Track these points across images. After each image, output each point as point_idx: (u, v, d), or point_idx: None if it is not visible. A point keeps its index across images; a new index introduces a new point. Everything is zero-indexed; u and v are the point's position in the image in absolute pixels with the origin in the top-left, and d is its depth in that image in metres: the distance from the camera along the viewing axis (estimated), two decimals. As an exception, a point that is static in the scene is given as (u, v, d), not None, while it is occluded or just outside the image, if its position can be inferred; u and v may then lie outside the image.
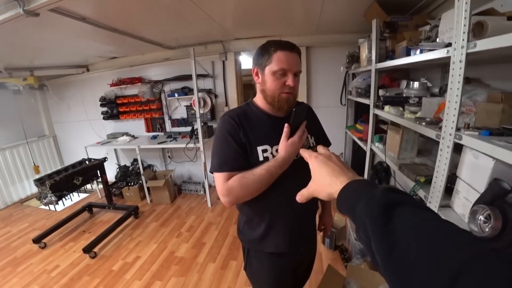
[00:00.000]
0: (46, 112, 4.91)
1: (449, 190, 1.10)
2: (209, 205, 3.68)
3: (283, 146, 0.98)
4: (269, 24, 2.89)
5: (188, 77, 3.64)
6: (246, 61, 4.07)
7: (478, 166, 0.94)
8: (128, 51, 3.73)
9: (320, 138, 1.27)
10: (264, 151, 1.03)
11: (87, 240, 2.87)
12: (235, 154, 1.00)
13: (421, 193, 1.25)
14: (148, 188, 3.86)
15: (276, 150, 1.02)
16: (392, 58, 1.88)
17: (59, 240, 3.07)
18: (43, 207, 3.92)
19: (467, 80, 1.52)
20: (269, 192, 1.01)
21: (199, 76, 3.57)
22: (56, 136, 5.10)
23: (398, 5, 2.11)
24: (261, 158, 1.02)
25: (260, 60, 1.02)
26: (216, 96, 3.94)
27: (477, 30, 0.88)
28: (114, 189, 4.09)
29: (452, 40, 0.97)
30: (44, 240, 2.97)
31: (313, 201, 1.21)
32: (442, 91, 1.65)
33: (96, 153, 3.93)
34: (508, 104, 0.99)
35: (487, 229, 0.82)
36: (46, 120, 4.93)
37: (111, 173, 4.28)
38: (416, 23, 1.87)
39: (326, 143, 1.31)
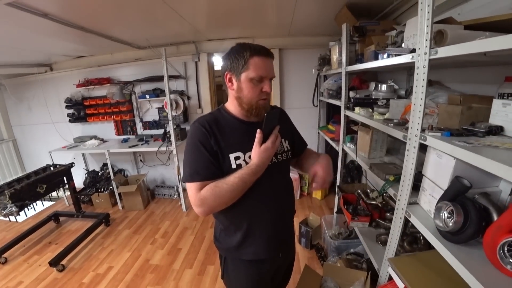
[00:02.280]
0: (3, 114, 4.51)
1: (416, 187, 1.17)
2: (184, 209, 3.60)
3: (256, 152, 0.96)
4: (242, 26, 2.89)
5: (159, 78, 3.53)
6: (219, 62, 4.04)
7: (442, 165, 1.00)
8: (96, 50, 3.55)
9: (296, 141, 1.27)
10: (237, 158, 1.00)
11: (54, 252, 2.69)
12: (207, 163, 0.97)
13: (390, 191, 1.31)
14: (119, 194, 3.70)
15: (249, 157, 1.00)
16: (361, 61, 1.96)
17: (21, 254, 2.84)
18: (2, 218, 3.60)
19: (429, 83, 1.62)
20: (244, 199, 0.99)
21: (171, 77, 3.48)
22: (15, 140, 4.72)
23: (366, 10, 2.20)
24: (233, 166, 0.99)
25: (234, 66, 0.97)
26: (189, 98, 3.86)
27: (438, 38, 0.93)
28: (82, 196, 3.88)
29: (416, 46, 1.02)
30: (5, 255, 2.73)
31: (290, 206, 1.23)
32: (408, 93, 1.75)
33: (62, 158, 3.69)
34: (466, 106, 1.07)
35: (450, 224, 0.88)
36: (4, 122, 4.53)
37: (79, 178, 4.04)
38: (383, 28, 1.96)
39: (303, 145, 1.32)
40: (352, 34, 2.02)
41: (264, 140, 0.97)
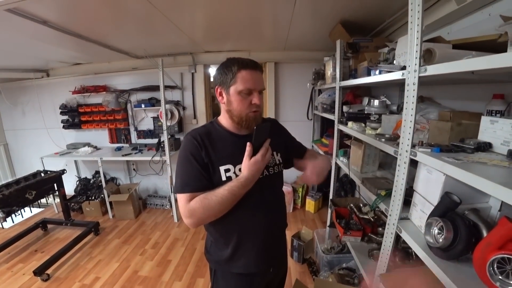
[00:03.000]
0: (-4, 118, 4.49)
1: (408, 202, 1.17)
2: (175, 220, 3.54)
3: (246, 165, 0.97)
4: (239, 39, 2.93)
5: (156, 88, 3.55)
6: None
7: (432, 180, 1.01)
8: (93, 57, 3.57)
9: (294, 147, 1.27)
10: (227, 170, 1.01)
11: (39, 261, 2.61)
12: (197, 175, 0.98)
13: (382, 206, 1.31)
14: (110, 202, 3.64)
15: (239, 169, 1.00)
16: (354, 77, 2.00)
17: (5, 262, 2.75)
18: (-13, 224, 3.52)
19: (421, 99, 1.66)
20: (234, 212, 0.99)
21: (167, 87, 3.50)
22: (7, 144, 4.66)
23: (360, 27, 2.26)
24: (223, 178, 1.00)
25: (223, 80, 1.00)
26: (184, 108, 3.88)
27: (427, 56, 0.96)
28: (72, 204, 3.80)
29: (406, 63, 1.05)
30: (-12, 263, 2.66)
31: (282, 219, 1.22)
32: (400, 109, 1.78)
33: (54, 164, 3.64)
34: (455, 122, 1.09)
35: (440, 240, 0.88)
36: (-4, 126, 4.50)
37: (70, 186, 3.98)
38: (376, 45, 2.01)
39: (302, 149, 1.31)
40: (346, 50, 2.07)
41: (254, 153, 0.98)
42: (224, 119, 1.09)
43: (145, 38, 2.69)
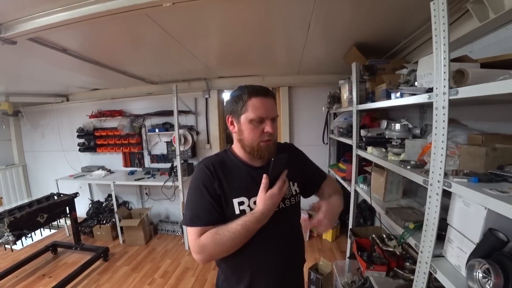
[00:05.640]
0: (18, 140, 4.66)
1: (440, 236, 1.04)
2: (187, 247, 3.41)
3: (262, 198, 0.90)
4: (252, 64, 2.96)
5: (170, 113, 3.59)
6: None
7: (470, 214, 0.89)
8: (110, 83, 3.69)
9: (311, 175, 1.18)
10: (241, 203, 0.94)
11: (46, 287, 2.55)
12: (208, 207, 0.92)
13: (411, 241, 1.18)
14: (121, 227, 3.58)
15: (254, 203, 0.94)
16: (372, 100, 1.93)
17: (12, 286, 2.69)
18: (-2, 246, 3.50)
19: (446, 122, 1.55)
20: (247, 247, 0.91)
21: (181, 112, 3.53)
22: (26, 165, 4.80)
23: (375, 49, 2.22)
24: (237, 212, 0.93)
25: (234, 108, 0.97)
26: (197, 133, 3.89)
27: (457, 77, 0.89)
28: (83, 227, 3.77)
29: (433, 85, 0.98)
30: (-5, 287, 2.61)
31: (299, 255, 1.11)
32: (423, 132, 1.67)
33: (68, 187, 3.70)
34: (490, 147, 0.98)
35: (487, 287, 0.76)
36: (17, 147, 4.66)
37: (82, 208, 4.00)
38: (393, 66, 1.96)
39: (319, 178, 1.20)
40: (363, 73, 2.02)
41: (270, 185, 0.91)
42: (237, 149, 1.04)
43: (161, 65, 2.74)
